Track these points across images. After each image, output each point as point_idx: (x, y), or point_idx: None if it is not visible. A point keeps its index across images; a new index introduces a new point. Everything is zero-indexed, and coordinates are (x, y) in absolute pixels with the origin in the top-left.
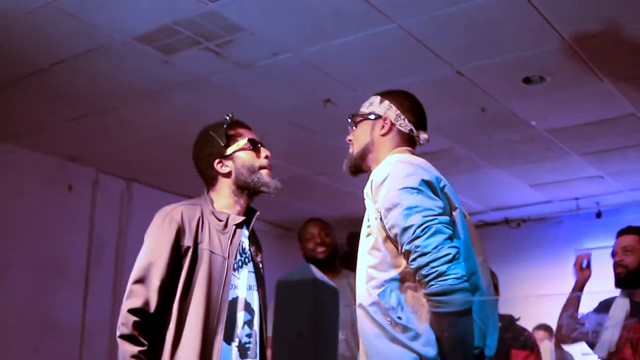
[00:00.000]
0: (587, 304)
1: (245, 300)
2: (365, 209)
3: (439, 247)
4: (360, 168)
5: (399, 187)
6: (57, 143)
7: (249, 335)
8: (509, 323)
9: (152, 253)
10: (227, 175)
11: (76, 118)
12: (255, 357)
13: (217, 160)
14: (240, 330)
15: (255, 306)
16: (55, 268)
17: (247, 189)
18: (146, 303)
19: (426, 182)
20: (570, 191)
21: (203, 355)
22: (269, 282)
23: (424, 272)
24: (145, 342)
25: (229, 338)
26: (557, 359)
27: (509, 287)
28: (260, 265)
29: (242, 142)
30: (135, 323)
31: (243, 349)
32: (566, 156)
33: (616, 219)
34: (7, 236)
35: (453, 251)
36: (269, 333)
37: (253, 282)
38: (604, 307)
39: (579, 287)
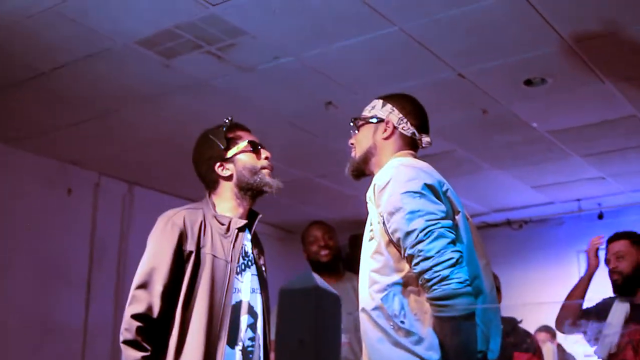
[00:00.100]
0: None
1: (249, 304)
2: (367, 212)
3: (442, 252)
4: (362, 172)
5: (401, 191)
6: (59, 146)
7: (252, 339)
8: (511, 326)
9: (155, 258)
10: (229, 178)
11: (77, 122)
12: None
13: (218, 164)
14: (244, 333)
15: (259, 309)
16: (57, 271)
17: (250, 190)
18: (149, 308)
19: (429, 186)
20: (571, 192)
21: None
22: (272, 285)
23: (427, 276)
24: (149, 348)
25: (232, 342)
26: None
27: (511, 288)
28: (263, 268)
29: (242, 144)
30: (138, 328)
31: (246, 353)
32: (567, 157)
33: (618, 220)
34: (8, 239)
35: (456, 255)
36: (272, 336)
37: (256, 285)
38: (604, 306)
39: (589, 276)
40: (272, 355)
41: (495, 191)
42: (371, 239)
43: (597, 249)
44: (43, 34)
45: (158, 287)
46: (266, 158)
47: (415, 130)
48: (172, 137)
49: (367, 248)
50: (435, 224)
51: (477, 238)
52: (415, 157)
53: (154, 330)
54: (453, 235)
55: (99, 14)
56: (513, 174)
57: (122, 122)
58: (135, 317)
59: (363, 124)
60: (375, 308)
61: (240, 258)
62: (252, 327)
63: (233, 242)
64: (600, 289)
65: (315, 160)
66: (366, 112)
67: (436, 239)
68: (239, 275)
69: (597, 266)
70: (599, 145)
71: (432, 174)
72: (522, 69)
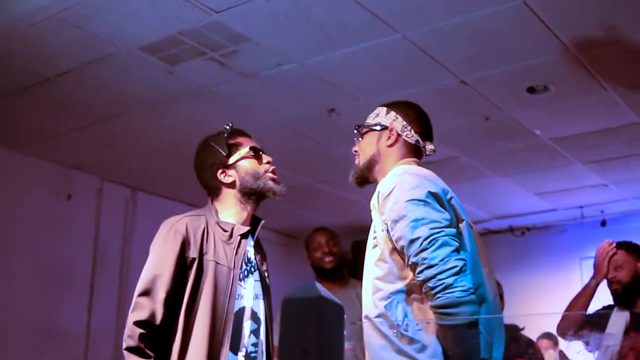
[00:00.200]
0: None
1: (252, 310)
2: (370, 219)
3: (446, 260)
4: (366, 179)
5: (405, 199)
6: (62, 152)
7: (255, 345)
8: (513, 333)
9: (158, 265)
10: (231, 185)
11: (81, 127)
12: None
13: (220, 171)
14: (247, 339)
15: (262, 315)
16: (59, 276)
17: (254, 195)
18: (152, 315)
19: (433, 194)
20: (574, 199)
21: None
22: (275, 290)
23: (430, 284)
24: (152, 354)
25: (235, 348)
26: None
27: (514, 295)
28: (266, 274)
29: (244, 150)
30: (141, 335)
31: (249, 359)
32: (570, 165)
33: (621, 227)
34: (11, 244)
35: (460, 263)
36: (275, 342)
37: (259, 291)
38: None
39: (596, 283)
40: None
41: (498, 198)
42: (375, 246)
43: (610, 256)
44: (47, 41)
45: (161, 294)
46: (268, 163)
47: (419, 138)
48: (175, 142)
49: (371, 255)
50: (439, 232)
51: (480, 246)
52: (419, 164)
53: (157, 337)
54: (457, 244)
55: (102, 20)
56: (516, 181)
57: (125, 128)
58: (138, 324)
59: (367, 132)
60: (379, 315)
61: (243, 264)
62: (255, 333)
63: (236, 248)
64: (597, 296)
65: (318, 167)
66: (370, 120)
67: (440, 247)
68: (242, 281)
69: (607, 274)
70: (601, 153)
71: (437, 182)
72: (525, 76)
